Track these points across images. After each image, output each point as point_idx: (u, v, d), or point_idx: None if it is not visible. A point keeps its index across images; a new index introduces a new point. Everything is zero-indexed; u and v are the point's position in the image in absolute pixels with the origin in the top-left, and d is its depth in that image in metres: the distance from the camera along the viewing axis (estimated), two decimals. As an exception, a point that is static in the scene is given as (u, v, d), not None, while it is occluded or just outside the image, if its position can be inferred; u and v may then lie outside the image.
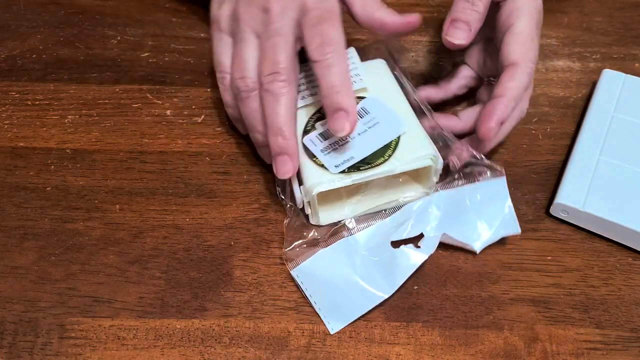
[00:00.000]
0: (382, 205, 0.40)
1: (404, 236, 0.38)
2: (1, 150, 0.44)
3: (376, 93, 0.41)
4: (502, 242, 0.40)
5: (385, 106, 0.40)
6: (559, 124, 0.47)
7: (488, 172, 0.40)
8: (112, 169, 0.43)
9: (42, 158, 0.44)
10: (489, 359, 0.35)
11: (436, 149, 0.39)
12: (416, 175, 0.41)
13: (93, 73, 0.49)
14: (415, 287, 0.38)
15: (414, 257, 0.37)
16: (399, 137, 0.39)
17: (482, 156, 0.40)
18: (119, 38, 0.51)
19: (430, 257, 0.39)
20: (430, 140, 0.39)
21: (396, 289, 0.37)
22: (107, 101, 0.47)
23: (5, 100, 0.47)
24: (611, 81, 0.47)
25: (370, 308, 0.36)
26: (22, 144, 0.44)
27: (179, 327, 0.36)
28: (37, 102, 0.47)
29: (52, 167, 0.43)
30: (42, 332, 0.35)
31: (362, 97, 0.41)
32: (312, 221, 0.40)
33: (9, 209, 0.41)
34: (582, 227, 0.41)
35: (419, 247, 0.38)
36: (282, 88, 0.37)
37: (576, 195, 0.40)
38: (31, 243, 0.39)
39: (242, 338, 0.36)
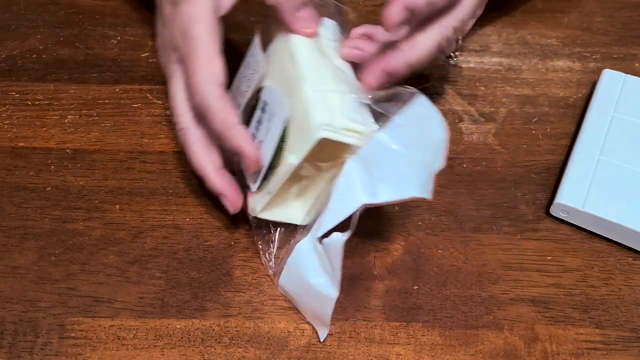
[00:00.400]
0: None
1: (325, 229, 0.33)
2: (1, 150, 0.44)
3: (278, 74, 0.37)
4: (502, 242, 0.40)
5: (276, 92, 0.36)
6: (559, 124, 0.47)
7: (402, 100, 0.33)
8: (112, 169, 0.43)
9: (42, 158, 0.44)
10: (489, 359, 0.35)
11: (342, 110, 0.34)
12: (339, 147, 0.34)
13: (93, 73, 0.49)
14: (415, 287, 0.38)
15: (334, 243, 0.32)
16: (288, 123, 0.35)
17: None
18: (119, 38, 0.51)
19: (430, 257, 0.39)
20: (330, 104, 0.34)
21: (338, 284, 0.33)
22: (107, 101, 0.47)
23: (5, 100, 0.47)
24: (611, 81, 0.47)
25: (330, 311, 0.34)
26: (22, 144, 0.44)
27: (179, 327, 0.36)
28: (37, 102, 0.47)
29: (52, 167, 0.43)
30: (42, 332, 0.35)
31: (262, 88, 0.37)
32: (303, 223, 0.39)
33: (9, 209, 0.41)
34: (582, 227, 0.41)
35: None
36: (183, 135, 0.37)
37: (576, 195, 0.40)
38: (31, 243, 0.39)
39: (242, 338, 0.36)
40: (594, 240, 0.40)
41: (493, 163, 0.44)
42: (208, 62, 0.35)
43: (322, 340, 0.35)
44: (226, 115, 0.35)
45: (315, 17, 0.38)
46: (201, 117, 0.36)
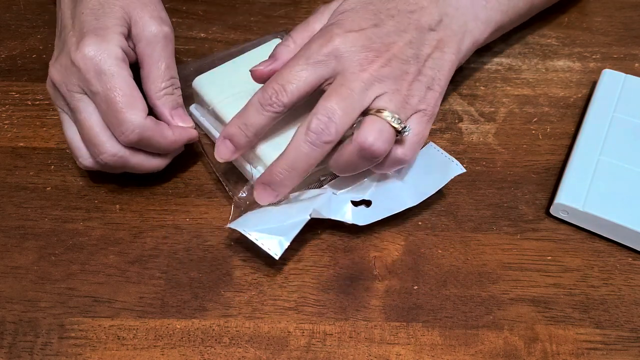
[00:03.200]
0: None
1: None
2: (1, 150, 0.44)
3: None
4: (502, 242, 0.40)
5: None
6: (559, 124, 0.47)
7: None
8: (112, 169, 0.43)
9: (42, 158, 0.44)
10: (489, 359, 0.35)
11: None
12: None
13: (93, 73, 0.49)
14: (415, 287, 0.38)
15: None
16: None
17: None
18: (119, 38, 0.51)
19: (430, 257, 0.39)
20: None
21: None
22: (107, 101, 0.47)
23: (5, 100, 0.47)
24: (611, 81, 0.47)
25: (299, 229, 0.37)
26: (22, 144, 0.44)
27: (179, 327, 0.36)
28: (37, 102, 0.47)
29: (52, 167, 0.43)
30: (42, 332, 0.35)
31: None
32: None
33: (9, 209, 0.41)
34: (582, 227, 0.41)
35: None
36: (121, 159, 0.39)
37: (576, 195, 0.40)
38: (31, 243, 0.39)
39: (242, 338, 0.36)
40: (594, 240, 0.40)
41: (493, 163, 0.44)
42: (132, 99, 0.37)
43: (277, 258, 0.36)
44: (168, 137, 0.39)
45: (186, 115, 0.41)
46: (139, 146, 0.39)
